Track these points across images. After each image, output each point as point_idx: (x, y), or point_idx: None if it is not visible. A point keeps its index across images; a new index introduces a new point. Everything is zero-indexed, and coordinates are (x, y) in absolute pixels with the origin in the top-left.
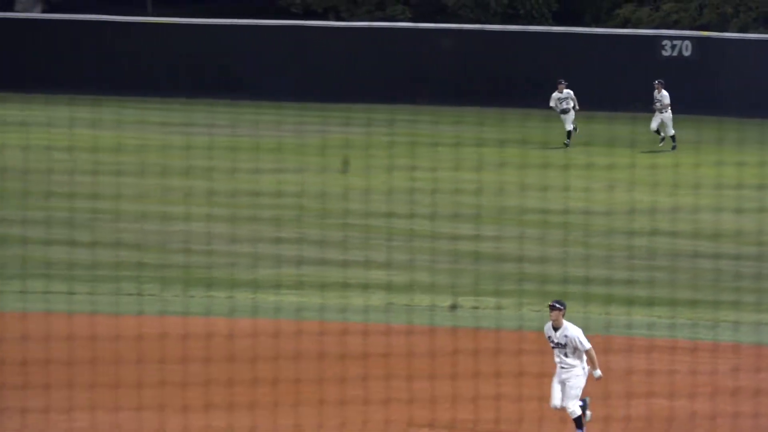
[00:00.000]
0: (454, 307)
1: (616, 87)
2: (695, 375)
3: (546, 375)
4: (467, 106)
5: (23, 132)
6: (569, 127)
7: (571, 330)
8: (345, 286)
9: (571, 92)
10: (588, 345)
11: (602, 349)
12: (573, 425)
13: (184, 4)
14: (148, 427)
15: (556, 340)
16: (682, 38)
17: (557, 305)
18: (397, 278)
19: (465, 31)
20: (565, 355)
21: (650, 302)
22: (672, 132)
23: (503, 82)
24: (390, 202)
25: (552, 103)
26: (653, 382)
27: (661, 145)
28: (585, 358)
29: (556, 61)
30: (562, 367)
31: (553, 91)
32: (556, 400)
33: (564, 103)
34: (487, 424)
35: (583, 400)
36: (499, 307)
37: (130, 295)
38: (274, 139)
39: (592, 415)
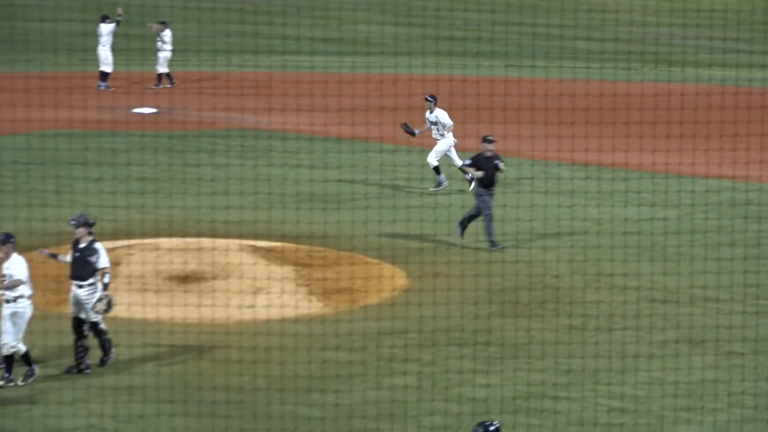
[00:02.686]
0: None
1: None
2: None
3: None
4: None
5: None
6: None
7: (438, 112)
8: None
9: None
10: (449, 122)
11: None
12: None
13: None
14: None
15: (431, 120)
16: None
17: (428, 98)
18: None
19: None
20: (438, 130)
21: None
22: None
23: None
24: None
25: None
26: None
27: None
28: (451, 134)
29: None
30: (437, 137)
31: None
32: (429, 157)
33: None
34: None
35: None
36: None
37: (614, 69)
38: None
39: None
